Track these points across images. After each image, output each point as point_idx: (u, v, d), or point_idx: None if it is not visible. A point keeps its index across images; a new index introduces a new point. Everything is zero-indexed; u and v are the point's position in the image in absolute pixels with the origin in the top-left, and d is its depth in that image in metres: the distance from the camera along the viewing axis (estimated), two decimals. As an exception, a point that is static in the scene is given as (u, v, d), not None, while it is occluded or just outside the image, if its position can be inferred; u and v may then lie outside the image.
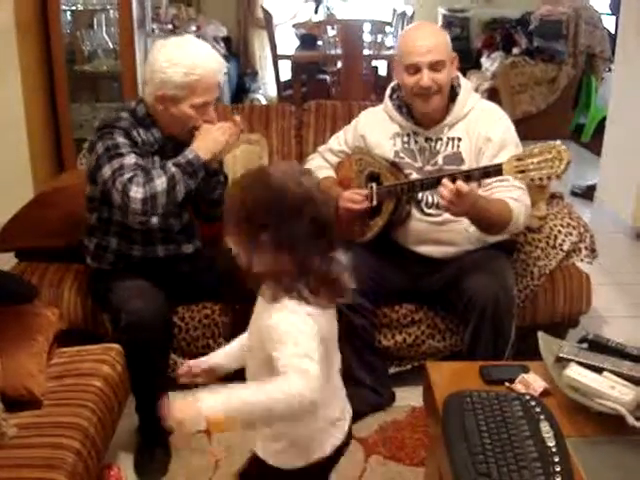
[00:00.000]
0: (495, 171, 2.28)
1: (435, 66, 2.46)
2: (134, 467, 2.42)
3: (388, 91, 2.71)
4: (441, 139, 2.58)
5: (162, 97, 2.34)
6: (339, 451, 1.66)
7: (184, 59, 2.29)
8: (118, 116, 2.39)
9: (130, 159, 2.27)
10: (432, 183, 2.39)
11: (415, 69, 2.49)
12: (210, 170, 2.43)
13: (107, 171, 2.27)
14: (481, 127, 2.54)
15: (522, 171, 2.18)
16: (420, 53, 2.47)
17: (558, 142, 2.15)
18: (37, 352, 2.16)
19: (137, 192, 2.21)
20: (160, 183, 2.25)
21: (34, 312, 2.31)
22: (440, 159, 2.57)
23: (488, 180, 2.44)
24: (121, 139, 2.31)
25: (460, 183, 2.22)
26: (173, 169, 2.29)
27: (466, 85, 2.62)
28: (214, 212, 2.57)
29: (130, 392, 2.35)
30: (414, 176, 2.57)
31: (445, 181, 2.25)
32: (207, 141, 2.36)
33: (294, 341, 1.45)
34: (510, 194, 2.43)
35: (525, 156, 2.19)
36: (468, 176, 2.33)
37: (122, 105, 2.51)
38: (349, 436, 1.70)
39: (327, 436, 1.63)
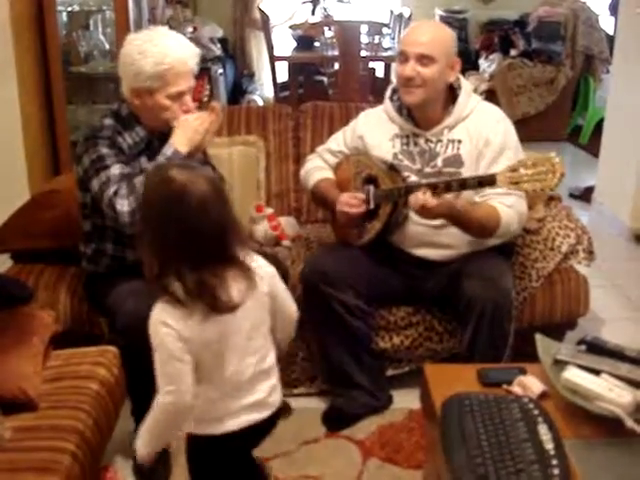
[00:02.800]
0: (489, 181, 2.30)
1: (422, 59, 2.47)
2: (133, 473, 2.41)
3: (388, 92, 2.71)
4: (441, 141, 2.57)
5: (137, 90, 2.34)
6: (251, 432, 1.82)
7: (154, 49, 2.29)
8: (101, 124, 2.39)
9: (115, 170, 2.27)
10: (429, 188, 2.39)
11: (404, 58, 2.50)
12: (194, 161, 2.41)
13: (95, 185, 2.29)
14: (482, 129, 2.54)
15: (516, 182, 2.20)
16: (411, 43, 2.50)
17: (552, 154, 2.16)
18: (33, 354, 2.15)
19: (123, 205, 2.22)
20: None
21: (30, 314, 2.30)
22: (440, 161, 2.56)
23: None
24: (105, 150, 2.31)
25: (427, 198, 2.29)
26: None
27: (466, 87, 2.61)
28: None
29: (126, 395, 2.34)
30: (412, 179, 2.57)
31: (417, 193, 2.32)
32: (185, 133, 2.34)
33: (160, 358, 1.67)
34: (504, 200, 2.45)
35: (519, 167, 2.20)
36: (463, 184, 2.35)
37: (108, 108, 2.50)
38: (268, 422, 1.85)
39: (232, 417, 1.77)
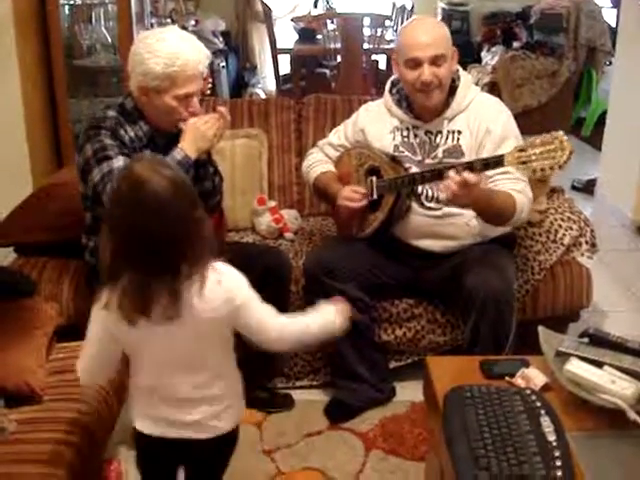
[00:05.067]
0: (497, 162, 2.26)
1: (436, 61, 2.45)
2: (137, 466, 2.41)
3: (388, 85, 2.71)
4: (441, 132, 2.57)
5: (145, 88, 2.34)
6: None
7: (165, 50, 2.28)
8: (104, 115, 2.39)
9: (119, 162, 2.26)
10: (432, 176, 2.39)
11: (415, 63, 2.47)
12: (198, 162, 2.41)
13: (97, 175, 2.28)
14: (481, 120, 2.53)
15: (524, 162, 2.16)
16: (421, 47, 2.45)
17: (560, 132, 2.12)
18: (37, 347, 2.16)
19: None
20: None
21: (33, 307, 2.31)
22: (440, 152, 2.56)
23: (490, 172, 2.41)
24: (108, 140, 2.30)
25: (467, 174, 2.21)
26: None
27: (465, 78, 2.61)
28: (207, 203, 2.56)
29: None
30: (414, 170, 2.57)
31: (451, 173, 2.24)
32: (195, 138, 2.33)
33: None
34: (513, 186, 2.43)
35: (527, 147, 2.16)
36: (469, 168, 2.31)
37: (112, 101, 2.48)
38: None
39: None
